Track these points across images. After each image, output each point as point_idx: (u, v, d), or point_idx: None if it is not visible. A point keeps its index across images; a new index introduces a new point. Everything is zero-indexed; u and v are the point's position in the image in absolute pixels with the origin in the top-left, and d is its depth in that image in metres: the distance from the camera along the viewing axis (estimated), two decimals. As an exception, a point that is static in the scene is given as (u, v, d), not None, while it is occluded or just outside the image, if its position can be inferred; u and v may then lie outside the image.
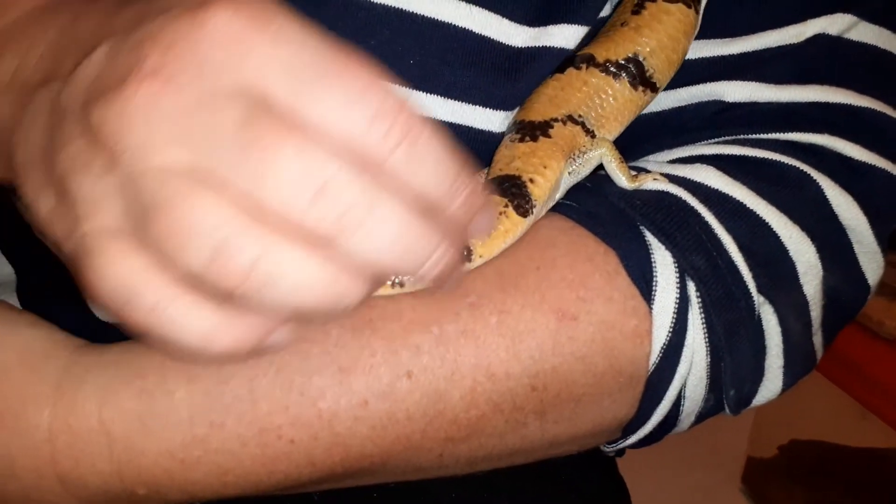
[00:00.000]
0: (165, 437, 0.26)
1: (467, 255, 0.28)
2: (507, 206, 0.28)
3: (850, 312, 0.33)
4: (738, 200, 0.30)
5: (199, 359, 0.23)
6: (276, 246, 0.19)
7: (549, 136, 0.30)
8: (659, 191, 0.30)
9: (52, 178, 0.22)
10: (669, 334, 0.28)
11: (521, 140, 0.30)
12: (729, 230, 0.29)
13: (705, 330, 0.29)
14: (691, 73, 0.33)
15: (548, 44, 0.32)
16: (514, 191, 0.29)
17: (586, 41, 0.33)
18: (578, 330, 0.28)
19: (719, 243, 0.29)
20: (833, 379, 1.07)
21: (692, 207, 0.30)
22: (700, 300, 0.29)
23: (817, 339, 0.32)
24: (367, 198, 0.20)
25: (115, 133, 0.20)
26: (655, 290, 0.28)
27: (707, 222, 0.29)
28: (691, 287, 0.29)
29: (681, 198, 0.30)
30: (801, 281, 0.30)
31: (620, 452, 0.46)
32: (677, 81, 0.33)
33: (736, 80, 0.32)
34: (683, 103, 0.33)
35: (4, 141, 0.25)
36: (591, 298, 0.28)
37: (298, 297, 0.20)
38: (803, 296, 0.30)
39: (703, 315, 0.29)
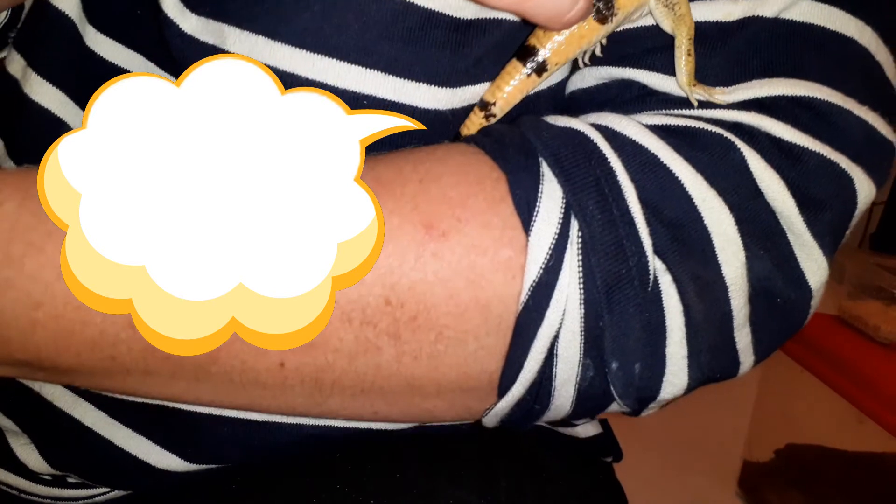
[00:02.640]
0: None
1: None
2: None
3: (791, 316, 0.30)
4: (652, 153, 0.28)
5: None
6: None
7: None
8: (573, 129, 0.29)
9: None
10: (541, 270, 0.26)
11: None
12: (635, 180, 0.27)
13: (581, 274, 0.26)
14: (611, 52, 0.31)
15: (500, 16, 0.30)
16: None
17: None
18: (445, 248, 0.26)
19: (619, 191, 0.27)
20: (830, 383, 1.07)
21: (600, 150, 0.28)
22: (581, 241, 0.26)
23: (742, 336, 0.29)
24: None
25: None
26: (534, 222, 0.26)
27: (612, 167, 0.27)
28: (574, 226, 0.27)
29: (591, 139, 0.28)
30: (718, 257, 0.28)
31: (618, 457, 0.45)
32: (598, 60, 0.31)
33: (657, 72, 0.30)
34: (607, 80, 0.31)
35: None
36: (468, 219, 0.27)
37: None
38: (721, 276, 0.28)
39: (580, 258, 0.26)
